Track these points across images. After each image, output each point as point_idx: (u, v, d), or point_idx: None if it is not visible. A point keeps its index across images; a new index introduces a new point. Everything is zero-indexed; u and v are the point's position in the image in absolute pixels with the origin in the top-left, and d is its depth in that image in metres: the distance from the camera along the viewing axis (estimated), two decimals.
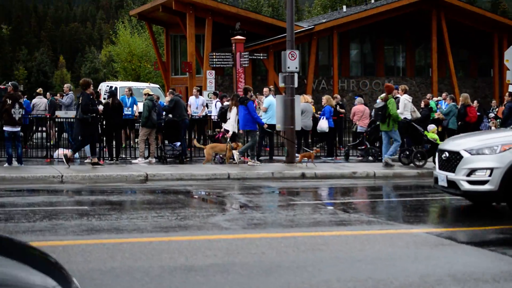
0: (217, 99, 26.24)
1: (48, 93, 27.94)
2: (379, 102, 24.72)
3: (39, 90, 29.01)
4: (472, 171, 12.04)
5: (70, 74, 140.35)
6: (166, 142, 21.74)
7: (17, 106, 19.32)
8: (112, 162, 20.98)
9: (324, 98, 24.61)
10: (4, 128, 19.32)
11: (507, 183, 11.72)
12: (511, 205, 11.98)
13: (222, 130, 21.52)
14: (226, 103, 23.05)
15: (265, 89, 24.27)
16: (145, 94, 21.77)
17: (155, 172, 18.05)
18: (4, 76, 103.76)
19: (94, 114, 19.52)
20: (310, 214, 12.10)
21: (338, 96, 27.63)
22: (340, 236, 9.86)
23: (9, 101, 19.30)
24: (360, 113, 24.63)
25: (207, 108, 27.79)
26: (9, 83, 20.81)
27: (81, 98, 19.49)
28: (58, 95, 27.53)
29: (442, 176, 12.73)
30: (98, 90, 32.98)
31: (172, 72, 43.34)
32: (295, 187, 16.69)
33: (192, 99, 27.61)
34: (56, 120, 24.23)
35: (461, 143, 12.72)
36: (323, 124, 23.41)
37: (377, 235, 9.96)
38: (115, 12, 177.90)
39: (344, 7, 51.71)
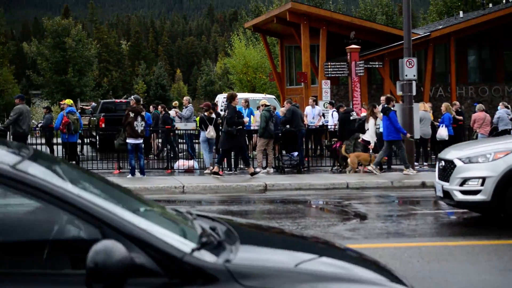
0: (334, 109, 26.22)
1: (151, 107, 28.74)
2: (500, 110, 24.07)
3: (175, 103, 30.10)
4: (465, 181, 11.51)
5: (187, 86, 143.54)
6: (284, 152, 21.87)
7: (139, 119, 19.95)
8: (230, 172, 21.30)
9: (443, 106, 24.17)
10: (127, 141, 19.95)
11: (500, 193, 11.10)
12: (507, 216, 11.22)
13: (360, 140, 21.38)
14: (363, 114, 22.91)
15: (382, 98, 24.04)
16: (262, 105, 22.00)
17: (273, 182, 18.20)
18: (125, 90, 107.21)
19: (240, 126, 19.76)
20: (432, 223, 11.91)
21: (457, 103, 27.02)
22: (465, 246, 9.65)
23: (131, 114, 19.95)
24: (481, 120, 24.01)
25: (324, 117, 27.81)
26: (132, 97, 21.50)
27: (227, 111, 19.86)
28: (159, 107, 28.25)
29: (439, 186, 12.18)
30: (215, 101, 33.54)
31: (287, 82, 43.55)
32: (415, 196, 16.45)
33: (308, 109, 27.70)
34: (176, 132, 24.84)
35: (458, 151, 12.14)
36: (443, 132, 22.99)
37: (505, 246, 9.68)
38: (229, 25, 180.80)
39: (461, 12, 50.58)
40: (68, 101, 22.81)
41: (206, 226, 4.16)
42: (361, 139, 21.22)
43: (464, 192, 11.49)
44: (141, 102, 21.75)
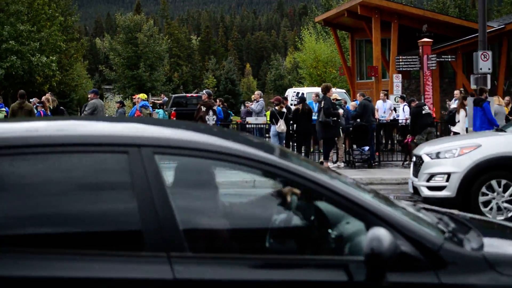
0: (405, 103, 25.94)
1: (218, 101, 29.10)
2: None
3: (254, 97, 30.46)
4: (431, 176, 11.44)
5: (256, 81, 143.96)
6: (354, 146, 21.74)
7: (211, 113, 20.12)
8: None
9: None
10: None
11: (465, 189, 11.08)
12: (472, 213, 10.96)
13: (452, 134, 21.13)
14: (452, 105, 22.59)
15: (456, 92, 23.69)
16: (333, 99, 21.92)
17: None
18: (195, 84, 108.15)
19: (335, 118, 19.81)
20: (510, 219, 11.67)
21: None
22: None
23: (203, 108, 20.14)
24: None
25: (395, 112, 27.54)
26: (204, 91, 21.70)
27: (323, 102, 19.88)
28: (218, 101, 28.51)
29: (410, 182, 12.12)
30: (285, 96, 33.56)
31: (357, 76, 43.28)
32: None
33: (379, 103, 27.46)
34: (247, 126, 24.97)
35: (429, 147, 12.07)
36: None
37: None
38: (299, 19, 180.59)
39: None
40: (142, 96, 23.15)
41: (436, 216, 4.37)
42: (452, 133, 20.92)
43: (430, 188, 11.45)
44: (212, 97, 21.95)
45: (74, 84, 62.72)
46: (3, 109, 20.86)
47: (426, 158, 11.64)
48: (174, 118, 30.51)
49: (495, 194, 11.12)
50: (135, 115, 22.11)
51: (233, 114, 27.75)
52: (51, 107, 21.91)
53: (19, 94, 20.16)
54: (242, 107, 27.71)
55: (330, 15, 42.53)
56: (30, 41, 41.16)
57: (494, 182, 11.07)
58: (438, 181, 11.33)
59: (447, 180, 11.19)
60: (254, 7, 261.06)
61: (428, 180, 11.50)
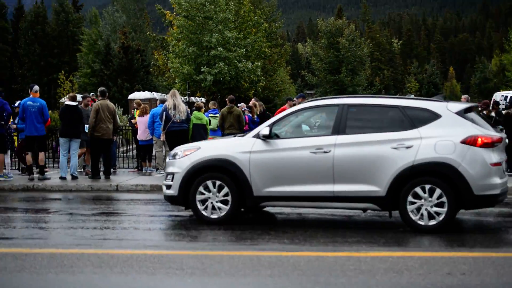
0: None
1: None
2: None
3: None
4: (167, 176, 12.28)
5: (460, 85, 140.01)
6: None
7: None
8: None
9: None
10: None
11: (184, 188, 11.81)
12: (192, 210, 11.96)
13: None
14: None
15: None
16: None
17: None
18: (397, 88, 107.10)
19: None
20: None
21: None
22: None
23: None
24: None
25: None
26: (409, 95, 21.38)
27: None
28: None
29: None
30: (492, 99, 32.38)
31: None
32: None
33: None
34: None
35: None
36: None
37: None
38: (505, 19, 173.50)
39: None
40: None
41: None
42: None
43: (166, 187, 12.25)
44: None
45: (278, 89, 64.12)
46: (217, 114, 21.69)
47: (167, 158, 12.57)
48: None
49: (211, 194, 11.75)
50: None
51: None
52: (258, 112, 22.52)
53: (229, 99, 20.91)
54: None
55: None
56: (236, 48, 42.58)
57: (209, 183, 11.75)
58: (168, 180, 12.15)
59: (172, 180, 12.02)
60: (457, 8, 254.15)
61: (165, 179, 12.33)
